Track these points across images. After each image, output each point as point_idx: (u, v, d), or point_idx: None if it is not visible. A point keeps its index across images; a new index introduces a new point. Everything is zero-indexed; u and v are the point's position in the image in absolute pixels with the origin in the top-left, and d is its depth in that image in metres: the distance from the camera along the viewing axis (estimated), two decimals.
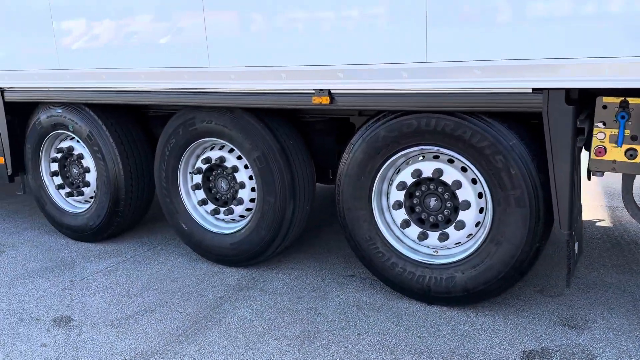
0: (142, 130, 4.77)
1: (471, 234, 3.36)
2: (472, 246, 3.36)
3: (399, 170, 3.48)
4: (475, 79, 2.93)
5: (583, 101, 2.95)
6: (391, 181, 3.53)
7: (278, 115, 3.97)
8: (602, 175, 3.04)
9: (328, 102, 3.39)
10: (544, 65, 2.77)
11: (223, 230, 4.21)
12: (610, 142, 2.88)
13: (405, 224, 3.47)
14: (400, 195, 3.46)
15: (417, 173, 3.35)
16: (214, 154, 4.09)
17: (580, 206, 3.33)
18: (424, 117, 3.21)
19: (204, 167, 4.15)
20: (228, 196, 4.15)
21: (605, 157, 2.91)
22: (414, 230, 3.47)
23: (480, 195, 3.27)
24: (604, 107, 2.88)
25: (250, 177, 4.00)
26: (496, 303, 3.50)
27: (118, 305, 3.72)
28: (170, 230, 5.15)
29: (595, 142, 2.93)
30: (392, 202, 3.50)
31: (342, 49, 3.24)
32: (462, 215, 3.30)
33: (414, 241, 3.56)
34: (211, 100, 3.84)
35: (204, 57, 3.73)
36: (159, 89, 4.01)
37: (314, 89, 3.43)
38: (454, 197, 3.34)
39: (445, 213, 3.38)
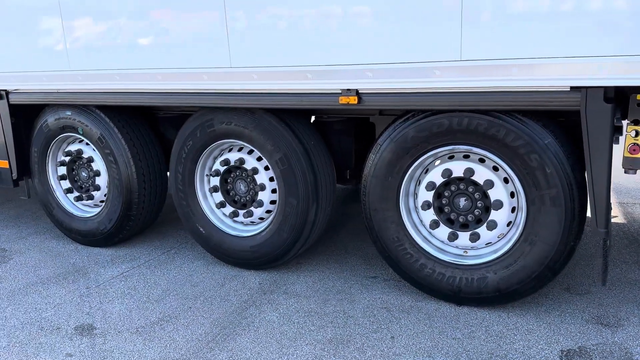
0: (153, 131, 4.67)
1: (502, 234, 3.33)
2: (503, 246, 3.33)
3: (427, 170, 3.45)
4: (512, 77, 2.90)
5: (619, 99, 2.94)
6: (419, 181, 3.49)
7: (298, 115, 3.91)
8: (635, 173, 3.04)
9: (356, 102, 3.34)
10: (583, 63, 2.75)
11: (242, 233, 4.14)
12: None
13: (435, 225, 3.43)
14: (428, 196, 3.43)
15: (447, 173, 3.32)
16: (233, 156, 4.01)
17: (610, 204, 3.33)
18: (455, 116, 3.17)
19: (222, 169, 4.07)
20: (247, 198, 4.08)
21: (639, 155, 2.91)
22: (444, 230, 3.43)
23: (512, 195, 3.25)
24: (639, 104, 2.87)
25: (271, 179, 3.93)
26: (525, 302, 3.48)
27: (140, 311, 3.63)
28: (182, 234, 5.06)
29: (629, 140, 2.92)
30: (420, 202, 3.46)
31: (372, 48, 3.19)
32: (494, 215, 3.28)
33: (442, 242, 3.53)
34: (232, 102, 3.76)
35: (225, 58, 3.65)
36: (177, 90, 3.93)
37: (341, 89, 3.37)
38: (484, 196, 3.31)
39: (476, 213, 3.35)
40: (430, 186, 3.38)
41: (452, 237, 3.40)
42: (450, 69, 3.03)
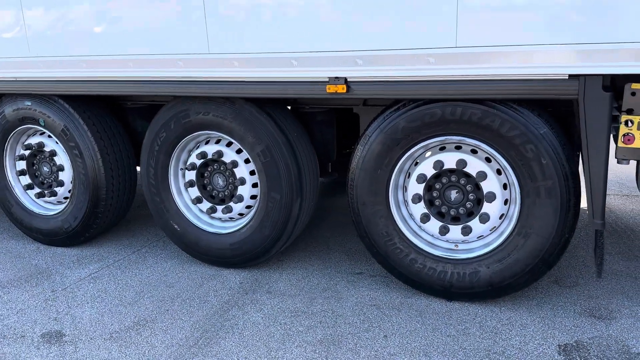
0: (120, 123, 4.39)
1: (495, 227, 3.25)
2: (496, 239, 3.25)
3: (417, 162, 3.33)
4: (510, 65, 2.80)
5: (615, 89, 2.88)
6: (409, 174, 3.36)
7: (280, 106, 3.72)
8: (628, 163, 3.00)
9: (345, 91, 3.18)
10: (581, 50, 2.68)
11: (220, 230, 3.93)
12: (638, 129, 2.83)
13: (425, 218, 3.32)
14: (419, 189, 3.31)
15: (439, 165, 3.20)
16: (210, 148, 3.79)
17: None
18: (448, 105, 3.06)
19: (199, 162, 3.85)
20: (226, 193, 3.87)
21: (633, 145, 2.86)
22: (434, 224, 3.32)
23: (504, 187, 3.16)
24: (633, 93, 2.82)
25: (252, 173, 3.73)
26: (516, 296, 3.41)
27: (113, 315, 3.39)
28: (154, 231, 4.80)
29: (622, 130, 2.87)
30: (410, 195, 3.34)
31: (362, 34, 3.04)
32: (487, 207, 3.18)
33: (433, 236, 3.42)
34: (210, 90, 3.55)
35: (203, 43, 3.43)
36: (150, 78, 3.68)
37: (329, 77, 3.21)
38: (477, 188, 3.22)
39: (468, 206, 3.25)
40: (421, 179, 3.26)
41: (444, 230, 3.29)
42: (445, 57, 2.91)
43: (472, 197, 3.23)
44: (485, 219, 3.18)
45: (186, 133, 3.81)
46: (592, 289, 3.50)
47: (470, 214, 3.27)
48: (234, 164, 3.72)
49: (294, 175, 3.58)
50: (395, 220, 3.40)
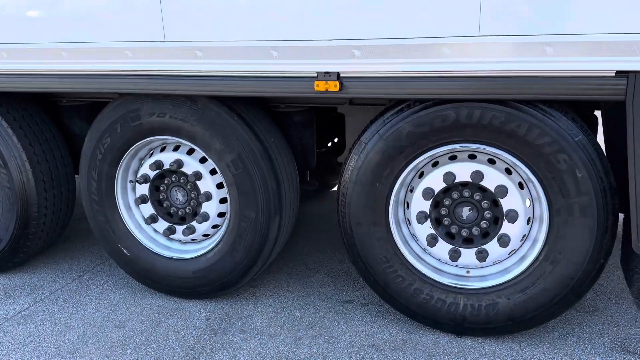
0: (55, 124, 3.65)
1: (513, 249, 2.75)
2: (516, 265, 2.76)
3: (423, 173, 2.78)
4: (546, 59, 2.28)
5: None
6: (411, 188, 2.82)
7: (253, 105, 3.10)
8: None
9: (337, 88, 2.59)
10: (632, 42, 2.19)
11: (181, 255, 3.27)
12: None
13: (432, 241, 2.78)
14: (425, 205, 2.77)
15: (450, 177, 2.67)
16: (168, 157, 3.13)
17: None
18: (465, 107, 2.52)
19: (153, 174, 3.18)
20: (187, 210, 3.22)
21: None
22: (443, 247, 2.79)
23: (527, 203, 2.67)
24: None
25: (219, 186, 3.10)
26: (534, 328, 2.94)
27: None
28: (97, 251, 4.08)
29: None
30: (414, 213, 2.80)
31: (361, 19, 2.46)
32: (507, 227, 2.68)
33: (440, 260, 2.89)
34: (166, 87, 2.88)
35: (157, 28, 2.76)
36: (90, 72, 2.97)
37: (317, 72, 2.61)
38: (494, 205, 2.71)
39: (483, 225, 2.74)
40: (428, 194, 2.72)
41: (454, 255, 2.76)
42: (464, 47, 2.36)
43: (488, 216, 2.72)
44: (505, 241, 2.67)
45: (137, 138, 3.13)
46: (615, 315, 3.07)
47: (486, 235, 2.76)
48: (197, 175, 3.07)
49: (271, 189, 2.97)
50: (396, 243, 2.85)
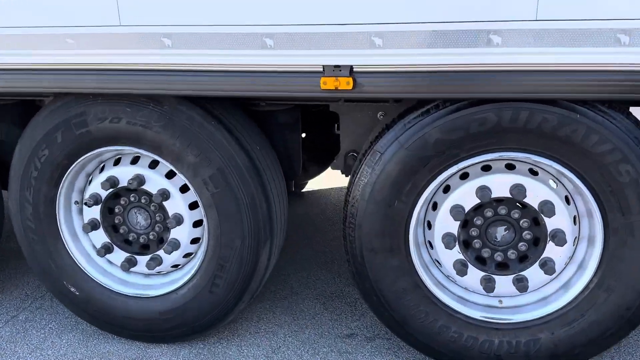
0: None
1: (556, 275, 2.33)
2: (561, 294, 2.34)
3: (448, 187, 2.30)
4: (620, 50, 1.84)
5: None
6: (434, 204, 2.33)
7: (232, 106, 2.50)
8: None
9: (350, 86, 2.05)
10: None
11: (146, 292, 2.65)
12: None
13: (462, 269, 2.31)
14: (452, 226, 2.29)
15: (485, 193, 2.19)
16: (124, 172, 2.48)
17: None
18: (508, 107, 2.05)
19: (105, 193, 2.53)
20: (150, 237, 2.59)
21: None
22: (474, 275, 2.33)
23: (574, 221, 2.25)
24: None
25: (192, 206, 2.49)
26: None
27: None
28: (34, 283, 3.35)
29: None
30: (438, 235, 2.31)
31: None
32: (552, 250, 2.25)
33: (467, 289, 2.43)
34: (122, 85, 2.25)
35: (111, 9, 2.11)
36: (19, 65, 2.28)
37: (324, 65, 2.06)
38: (534, 224, 2.26)
39: (521, 248, 2.29)
40: (457, 212, 2.24)
41: (488, 284, 2.31)
42: (518, 34, 1.88)
43: (527, 237, 2.27)
44: (550, 267, 2.24)
45: (83, 150, 2.47)
46: None
47: (524, 259, 2.31)
48: (164, 194, 2.45)
49: (261, 211, 2.41)
50: (417, 273, 2.36)
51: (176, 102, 2.32)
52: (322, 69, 2.06)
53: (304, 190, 4.62)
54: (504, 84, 1.98)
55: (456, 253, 2.32)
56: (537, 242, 2.28)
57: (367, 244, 2.33)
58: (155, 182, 2.47)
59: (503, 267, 2.34)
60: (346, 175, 2.79)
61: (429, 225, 2.36)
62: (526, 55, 1.91)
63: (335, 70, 2.05)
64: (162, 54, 2.14)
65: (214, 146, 2.33)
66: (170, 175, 2.48)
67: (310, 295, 3.14)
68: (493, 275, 2.33)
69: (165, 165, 2.45)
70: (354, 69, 2.04)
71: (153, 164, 2.50)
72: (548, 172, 2.24)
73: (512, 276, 2.32)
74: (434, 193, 2.32)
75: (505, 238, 2.30)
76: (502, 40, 1.89)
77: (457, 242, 2.29)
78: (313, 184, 4.62)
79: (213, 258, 2.48)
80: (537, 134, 2.07)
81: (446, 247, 2.28)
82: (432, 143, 2.14)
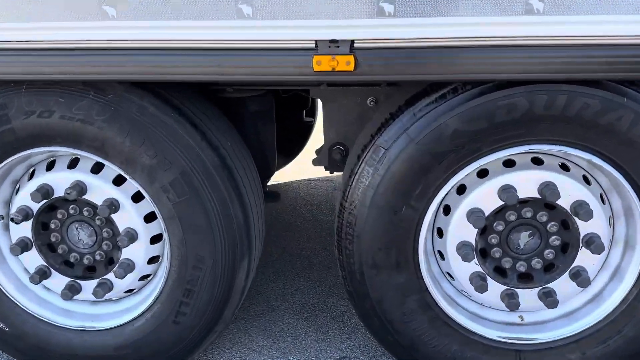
0: None
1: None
2: (591, 308, 2.02)
3: (464, 187, 1.91)
4: None
5: None
6: (446, 207, 1.95)
7: (193, 92, 2.03)
8: None
9: (352, 67, 1.62)
10: None
11: (94, 323, 2.16)
12: None
13: (480, 282, 1.94)
14: (469, 234, 1.91)
15: (510, 194, 1.82)
16: (61, 179, 1.97)
17: None
18: (542, 91, 1.68)
19: (37, 206, 2.01)
20: (97, 257, 2.09)
21: None
22: (493, 290, 1.97)
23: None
24: None
25: (148, 218, 2.01)
26: None
27: None
28: None
29: None
30: (451, 245, 1.93)
31: None
32: (585, 258, 1.91)
33: (483, 305, 2.08)
34: (52, 69, 1.74)
35: None
36: None
37: (317, 40, 1.62)
38: (563, 227, 1.92)
39: (548, 256, 1.94)
40: (477, 218, 1.86)
41: (511, 301, 1.95)
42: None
43: (556, 243, 1.92)
44: (584, 279, 1.90)
45: (6, 152, 1.95)
46: None
47: (550, 268, 1.97)
48: (112, 205, 1.96)
49: (236, 221, 1.96)
50: (428, 290, 1.98)
51: (124, 89, 1.83)
52: (314, 45, 1.63)
53: (268, 183, 4.17)
54: (536, 63, 1.60)
55: (474, 265, 1.95)
56: (566, 249, 1.94)
57: (368, 258, 1.92)
58: (100, 190, 1.97)
59: (526, 279, 1.99)
60: (331, 172, 2.38)
61: (440, 233, 1.97)
62: (567, 25, 1.53)
63: (332, 46, 1.62)
64: (103, 27, 1.65)
65: (174, 144, 1.86)
66: (119, 181, 1.98)
67: (290, 310, 2.72)
68: (516, 289, 1.97)
69: (112, 169, 1.96)
70: (356, 45, 1.62)
71: (97, 168, 1.99)
72: (580, 166, 1.89)
73: (537, 289, 1.97)
74: (446, 194, 1.94)
75: (530, 245, 1.95)
76: (543, 7, 1.51)
77: (474, 252, 1.92)
78: (277, 176, 4.18)
79: (178, 282, 2.01)
80: (576, 122, 1.71)
81: (463, 260, 1.90)
82: (449, 136, 1.75)
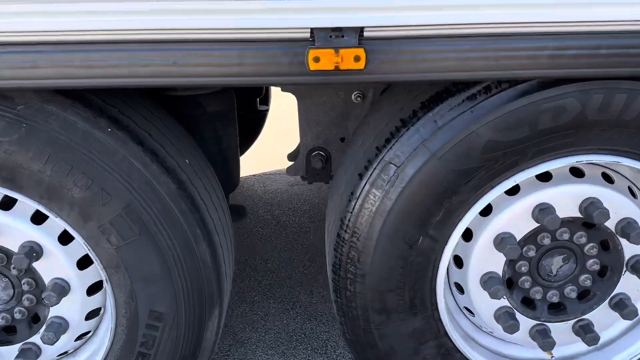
0: None
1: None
2: (629, 338, 1.72)
3: (489, 208, 1.54)
4: None
5: None
6: (468, 233, 1.57)
7: (133, 96, 1.53)
8: None
9: (361, 65, 1.19)
10: None
11: None
12: None
13: (510, 321, 1.58)
14: (496, 263, 1.55)
15: (548, 215, 1.46)
16: None
17: None
18: (599, 89, 1.32)
19: None
20: (16, 317, 1.58)
21: None
22: (523, 326, 1.63)
23: None
24: None
25: (83, 263, 1.52)
26: None
27: None
28: None
29: None
30: (474, 276, 1.57)
31: None
32: (628, 283, 1.60)
33: (504, 340, 1.74)
34: None
35: None
36: None
37: (313, 28, 1.18)
38: (603, 248, 1.59)
39: (585, 283, 1.61)
40: (509, 246, 1.49)
41: (544, 339, 1.62)
42: None
43: (594, 267, 1.60)
44: (631, 311, 1.60)
45: None
46: None
47: (585, 296, 1.65)
48: (33, 251, 1.45)
49: (202, 263, 1.50)
50: (448, 333, 1.61)
51: (40, 98, 1.31)
52: (309, 35, 1.18)
53: None
54: (602, 55, 1.23)
55: (501, 300, 1.59)
56: (604, 273, 1.63)
57: (376, 302, 1.53)
58: (13, 232, 1.46)
59: (559, 311, 1.66)
60: (309, 182, 1.97)
61: (457, 262, 1.60)
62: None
63: (335, 36, 1.17)
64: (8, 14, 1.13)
65: (115, 169, 1.37)
66: (39, 218, 1.48)
67: (262, 343, 2.29)
68: (547, 324, 1.64)
69: (28, 205, 1.44)
70: (366, 33, 1.18)
71: (7, 203, 1.47)
72: (624, 176, 1.57)
73: (572, 321, 1.65)
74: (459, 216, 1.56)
75: (564, 271, 1.61)
76: None
77: (502, 285, 1.56)
78: None
79: (127, 345, 1.54)
80: (634, 126, 1.37)
81: (492, 297, 1.53)
82: (480, 148, 1.36)
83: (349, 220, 1.48)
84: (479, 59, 1.22)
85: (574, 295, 1.63)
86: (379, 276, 1.49)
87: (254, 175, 3.74)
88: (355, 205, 1.47)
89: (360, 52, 1.17)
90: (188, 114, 1.79)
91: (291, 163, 1.98)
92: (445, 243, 1.49)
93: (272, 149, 3.66)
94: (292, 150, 2.11)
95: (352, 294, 1.54)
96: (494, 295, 1.53)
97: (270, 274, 2.71)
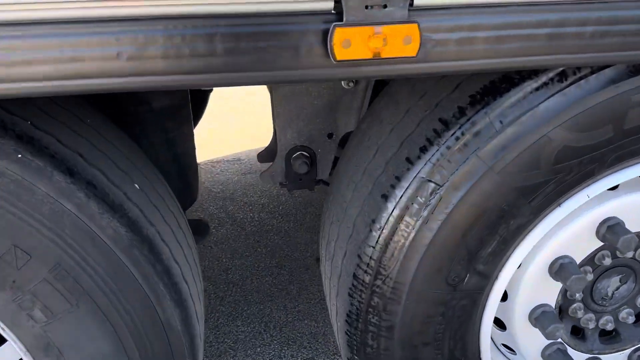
0: None
1: None
2: None
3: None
4: None
5: None
6: (520, 264, 1.22)
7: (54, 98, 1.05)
8: None
9: (415, 51, 0.78)
10: None
11: None
12: None
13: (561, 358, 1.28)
14: (549, 294, 1.23)
15: (626, 237, 1.14)
16: None
17: None
18: None
19: None
20: None
21: None
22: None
23: None
24: None
25: None
26: None
27: None
28: None
29: None
30: (521, 311, 1.24)
31: None
32: None
33: None
34: None
35: None
36: None
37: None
38: None
39: None
40: (572, 273, 1.16)
41: None
42: None
43: None
44: None
45: None
46: None
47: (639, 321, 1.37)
48: None
49: (169, 325, 1.08)
50: None
51: None
52: (332, 7, 0.76)
53: None
54: None
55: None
56: None
57: (407, 359, 1.16)
58: None
59: (611, 339, 1.37)
60: (289, 191, 1.58)
61: (507, 297, 1.26)
62: None
63: (372, 6, 0.76)
64: None
65: (34, 216, 0.91)
66: None
67: None
68: (601, 356, 1.35)
69: None
70: (417, 1, 0.78)
71: None
72: None
73: (628, 351, 1.37)
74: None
75: (622, 293, 1.32)
76: None
77: (555, 319, 1.24)
78: None
79: None
80: None
81: (549, 337, 1.21)
82: (553, 156, 1.00)
83: (371, 257, 1.09)
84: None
85: (631, 320, 1.34)
86: (412, 327, 1.12)
87: (199, 165, 3.25)
88: (379, 238, 1.08)
89: (413, 29, 0.77)
90: (129, 112, 1.33)
91: (264, 166, 1.56)
92: (496, 279, 1.13)
93: (217, 132, 3.20)
94: (264, 148, 1.69)
95: (374, 351, 1.16)
96: (551, 336, 1.20)
97: (233, 288, 2.30)
